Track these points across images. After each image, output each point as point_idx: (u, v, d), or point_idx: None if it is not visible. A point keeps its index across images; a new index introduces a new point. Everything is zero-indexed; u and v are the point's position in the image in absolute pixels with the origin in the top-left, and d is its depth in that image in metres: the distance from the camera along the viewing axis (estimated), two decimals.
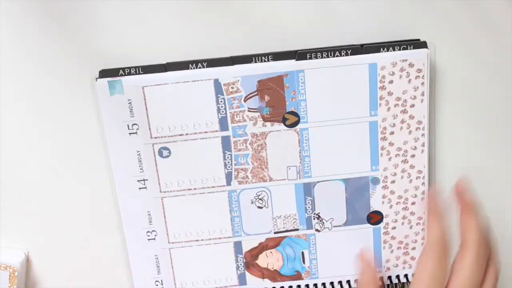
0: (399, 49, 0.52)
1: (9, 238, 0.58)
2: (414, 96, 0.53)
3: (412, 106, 0.54)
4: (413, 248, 0.57)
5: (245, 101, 0.54)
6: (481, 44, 0.54)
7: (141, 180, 0.55)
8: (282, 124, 0.54)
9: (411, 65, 0.52)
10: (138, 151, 0.54)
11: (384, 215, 0.57)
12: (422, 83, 0.53)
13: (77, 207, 0.57)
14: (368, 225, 0.57)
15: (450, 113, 0.56)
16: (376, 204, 0.56)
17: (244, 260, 0.58)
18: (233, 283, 0.58)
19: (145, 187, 0.55)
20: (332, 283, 0.58)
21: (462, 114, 0.56)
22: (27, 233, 0.58)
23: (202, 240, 0.57)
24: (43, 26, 0.53)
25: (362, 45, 0.52)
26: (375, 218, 0.57)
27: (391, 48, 0.52)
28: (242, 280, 0.58)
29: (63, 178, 0.56)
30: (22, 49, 0.53)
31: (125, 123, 0.53)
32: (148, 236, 0.57)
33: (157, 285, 0.58)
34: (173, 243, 0.57)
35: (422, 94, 0.53)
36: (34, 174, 0.57)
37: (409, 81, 0.53)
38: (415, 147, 0.55)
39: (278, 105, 0.54)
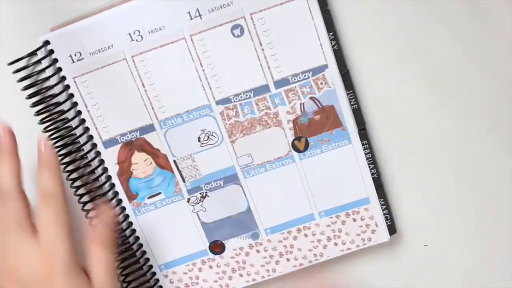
0: None
1: None
2: None
3: None
4: None
5: (310, 99, 0.52)
6: (482, 44, 0.53)
7: None
8: (291, 139, 0.53)
9: None
10: None
11: None
12: None
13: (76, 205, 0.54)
14: None
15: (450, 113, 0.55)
16: None
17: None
18: None
19: None
20: None
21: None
22: None
23: None
24: None
25: None
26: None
27: None
28: None
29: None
30: None
31: None
32: None
33: None
34: None
35: None
36: (34, 174, 0.52)
37: None
38: None
39: (313, 130, 0.53)
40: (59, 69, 0.51)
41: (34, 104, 0.52)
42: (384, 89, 0.53)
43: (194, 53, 0.51)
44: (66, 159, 0.53)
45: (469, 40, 0.52)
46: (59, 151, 0.53)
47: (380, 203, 0.55)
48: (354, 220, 0.55)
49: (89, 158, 0.53)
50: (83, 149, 0.53)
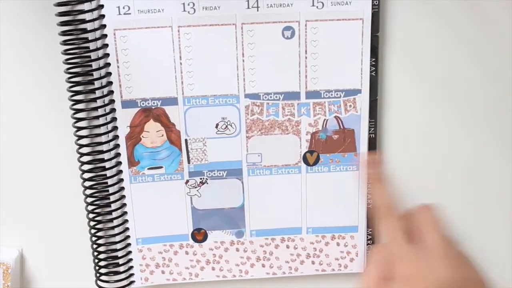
0: None
1: (2, 235, 0.57)
2: None
3: None
4: None
5: (335, 117, 0.53)
6: (481, 44, 0.53)
7: None
8: (304, 151, 0.54)
9: None
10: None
11: None
12: None
13: (71, 203, 0.56)
14: None
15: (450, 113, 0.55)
16: None
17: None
18: None
19: None
20: None
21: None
22: (21, 230, 0.57)
23: None
24: None
25: None
26: None
27: None
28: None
29: (57, 175, 0.55)
30: None
31: None
32: None
33: None
34: None
35: None
36: (28, 172, 0.56)
37: None
38: None
39: (328, 148, 0.54)
40: (102, 16, 0.50)
41: (65, 42, 0.50)
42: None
43: (240, 42, 0.51)
44: (79, 106, 0.52)
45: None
46: (73, 95, 0.51)
47: (366, 233, 0.56)
48: (338, 244, 0.56)
49: (102, 113, 0.52)
50: (97, 102, 0.52)
